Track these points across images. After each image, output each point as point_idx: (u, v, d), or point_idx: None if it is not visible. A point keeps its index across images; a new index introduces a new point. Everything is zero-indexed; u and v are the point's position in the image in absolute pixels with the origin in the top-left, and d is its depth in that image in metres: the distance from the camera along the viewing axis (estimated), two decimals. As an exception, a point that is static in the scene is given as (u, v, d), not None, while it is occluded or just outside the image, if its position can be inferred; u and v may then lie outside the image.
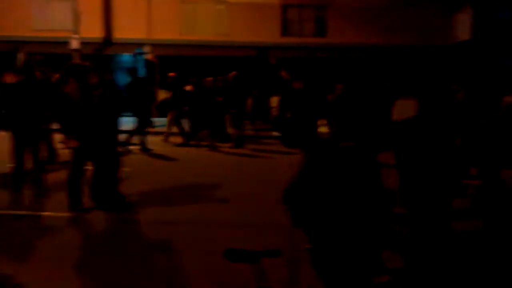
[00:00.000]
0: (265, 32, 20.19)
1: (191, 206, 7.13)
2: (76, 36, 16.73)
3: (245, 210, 6.89)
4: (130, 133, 11.84)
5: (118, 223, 6.55)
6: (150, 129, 13.60)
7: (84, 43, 17.46)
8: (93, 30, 19.56)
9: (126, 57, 20.42)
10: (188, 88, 13.47)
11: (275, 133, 15.27)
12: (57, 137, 8.76)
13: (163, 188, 8.14)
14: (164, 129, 13.82)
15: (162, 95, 15.77)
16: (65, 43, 17.06)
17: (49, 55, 18.52)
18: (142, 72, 20.74)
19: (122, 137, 12.20)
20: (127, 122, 11.48)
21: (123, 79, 12.63)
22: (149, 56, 20.06)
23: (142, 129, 11.93)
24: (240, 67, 14.76)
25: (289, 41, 20.29)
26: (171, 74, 14.06)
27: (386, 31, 19.73)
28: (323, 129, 7.65)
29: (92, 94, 6.45)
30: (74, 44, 16.71)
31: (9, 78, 7.73)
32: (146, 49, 20.00)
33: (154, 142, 12.47)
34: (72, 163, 6.50)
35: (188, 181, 8.63)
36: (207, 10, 20.44)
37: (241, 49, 19.49)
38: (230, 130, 12.86)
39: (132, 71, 13.05)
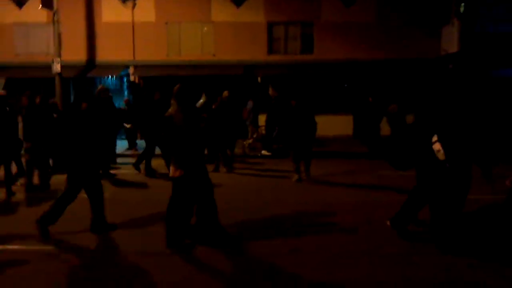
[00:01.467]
0: (251, 51, 19.99)
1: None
2: (58, 59, 16.36)
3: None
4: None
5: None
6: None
7: (67, 67, 17.13)
8: (76, 53, 19.27)
9: (110, 80, 20.10)
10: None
11: (264, 152, 14.96)
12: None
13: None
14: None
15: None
16: (47, 67, 16.70)
17: (32, 79, 18.25)
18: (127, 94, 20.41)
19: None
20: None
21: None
22: (133, 78, 19.74)
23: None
24: (228, 86, 14.42)
25: (276, 59, 20.09)
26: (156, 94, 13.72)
27: (373, 46, 19.62)
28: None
29: (197, 119, 6.13)
30: (56, 68, 16.34)
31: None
32: (131, 70, 19.70)
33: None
34: (177, 194, 5.99)
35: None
36: (192, 30, 20.22)
37: (228, 68, 19.24)
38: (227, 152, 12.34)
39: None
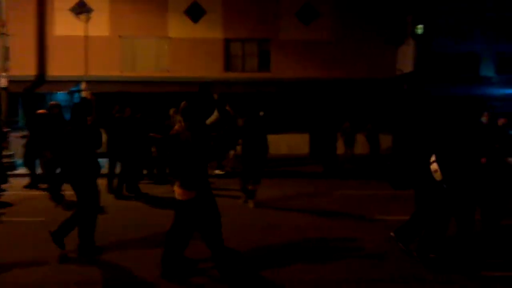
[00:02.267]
0: (208, 67, 19.73)
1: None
2: (4, 74, 15.66)
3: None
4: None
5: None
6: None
7: (15, 81, 16.43)
8: (25, 67, 18.58)
9: (61, 95, 19.43)
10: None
11: (218, 171, 14.60)
12: None
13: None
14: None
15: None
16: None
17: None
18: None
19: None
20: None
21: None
22: (85, 94, 19.11)
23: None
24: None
25: (233, 76, 19.87)
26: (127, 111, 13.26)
27: (331, 65, 19.67)
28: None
29: (207, 137, 5.71)
30: (2, 82, 15.62)
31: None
32: (82, 86, 19.08)
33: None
34: (183, 218, 5.55)
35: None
36: (147, 45, 19.82)
37: (183, 85, 18.88)
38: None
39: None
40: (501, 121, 7.84)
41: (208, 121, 6.61)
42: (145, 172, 12.66)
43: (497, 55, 21.38)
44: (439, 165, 5.67)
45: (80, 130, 6.33)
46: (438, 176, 5.68)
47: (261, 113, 10.75)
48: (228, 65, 20.25)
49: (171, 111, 12.28)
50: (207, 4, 20.17)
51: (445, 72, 18.35)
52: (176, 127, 5.49)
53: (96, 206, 6.45)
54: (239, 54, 20.34)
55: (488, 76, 21.10)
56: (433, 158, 5.76)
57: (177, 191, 5.42)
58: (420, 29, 18.11)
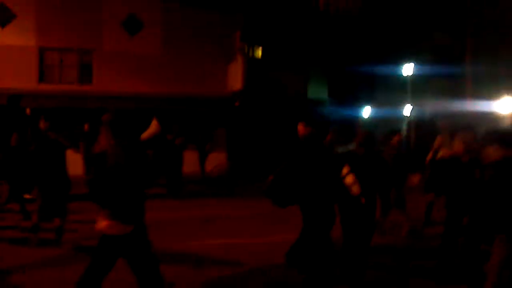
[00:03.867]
0: (19, 78, 17.16)
1: None
2: None
3: None
4: None
5: None
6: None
7: None
8: None
9: None
10: None
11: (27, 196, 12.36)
12: None
13: None
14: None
15: None
16: None
17: None
18: None
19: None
20: None
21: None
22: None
23: None
24: None
25: (49, 89, 17.57)
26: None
27: (159, 80, 18.48)
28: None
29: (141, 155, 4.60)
30: None
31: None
32: None
33: None
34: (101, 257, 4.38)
35: None
36: None
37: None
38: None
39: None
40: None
41: (144, 135, 4.97)
42: None
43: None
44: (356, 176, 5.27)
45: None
46: (356, 189, 5.25)
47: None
48: (42, 76, 17.89)
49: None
50: (18, 6, 17.69)
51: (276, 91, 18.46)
52: (102, 143, 4.44)
53: None
54: (56, 64, 18.13)
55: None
56: (345, 170, 5.29)
57: (105, 224, 4.27)
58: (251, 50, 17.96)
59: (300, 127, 7.37)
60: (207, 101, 18.19)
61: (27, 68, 17.54)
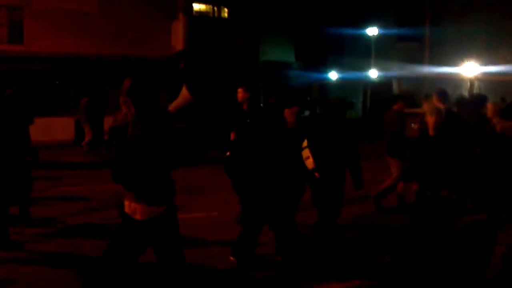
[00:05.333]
0: None
1: None
2: None
3: None
4: None
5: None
6: None
7: None
8: None
9: None
10: None
11: None
12: None
13: None
14: None
15: None
16: None
17: None
18: None
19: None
20: None
21: None
22: None
23: None
24: None
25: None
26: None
27: (97, 40, 17.37)
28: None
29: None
30: None
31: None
32: None
33: None
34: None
35: None
36: None
37: None
38: None
39: None
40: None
41: (173, 106, 4.03)
42: None
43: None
44: (311, 150, 5.05)
45: None
46: (310, 163, 5.08)
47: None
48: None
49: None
50: None
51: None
52: (122, 114, 3.65)
53: None
54: (-16, 22, 16.91)
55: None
56: (305, 143, 5.11)
57: (134, 207, 3.63)
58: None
59: (240, 92, 6.75)
60: (148, 63, 17.14)
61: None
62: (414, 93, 20.65)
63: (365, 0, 34.86)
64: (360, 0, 35.13)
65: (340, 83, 35.47)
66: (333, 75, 35.07)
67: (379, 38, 31.14)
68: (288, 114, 5.09)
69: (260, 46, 21.98)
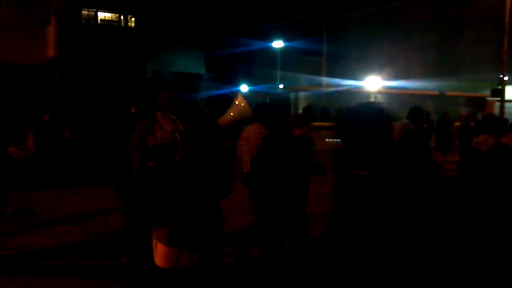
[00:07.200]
0: None
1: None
2: None
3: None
4: None
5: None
6: None
7: None
8: None
9: None
10: None
11: None
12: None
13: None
14: None
15: None
16: None
17: None
18: None
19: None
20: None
21: None
22: None
23: None
24: None
25: None
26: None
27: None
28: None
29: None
30: None
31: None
32: None
33: None
34: None
35: None
36: None
37: None
38: None
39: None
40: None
41: (223, 119, 2.79)
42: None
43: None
44: None
45: None
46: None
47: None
48: None
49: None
50: None
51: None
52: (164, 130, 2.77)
53: None
54: None
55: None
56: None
57: (163, 251, 2.74)
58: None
59: (133, 108, 5.89)
60: (23, 70, 15.70)
61: None
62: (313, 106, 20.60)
63: (273, 14, 34.98)
64: (268, 14, 35.23)
65: (249, 95, 35.38)
66: (244, 88, 34.90)
67: (286, 51, 31.28)
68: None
69: (171, 57, 21.23)
